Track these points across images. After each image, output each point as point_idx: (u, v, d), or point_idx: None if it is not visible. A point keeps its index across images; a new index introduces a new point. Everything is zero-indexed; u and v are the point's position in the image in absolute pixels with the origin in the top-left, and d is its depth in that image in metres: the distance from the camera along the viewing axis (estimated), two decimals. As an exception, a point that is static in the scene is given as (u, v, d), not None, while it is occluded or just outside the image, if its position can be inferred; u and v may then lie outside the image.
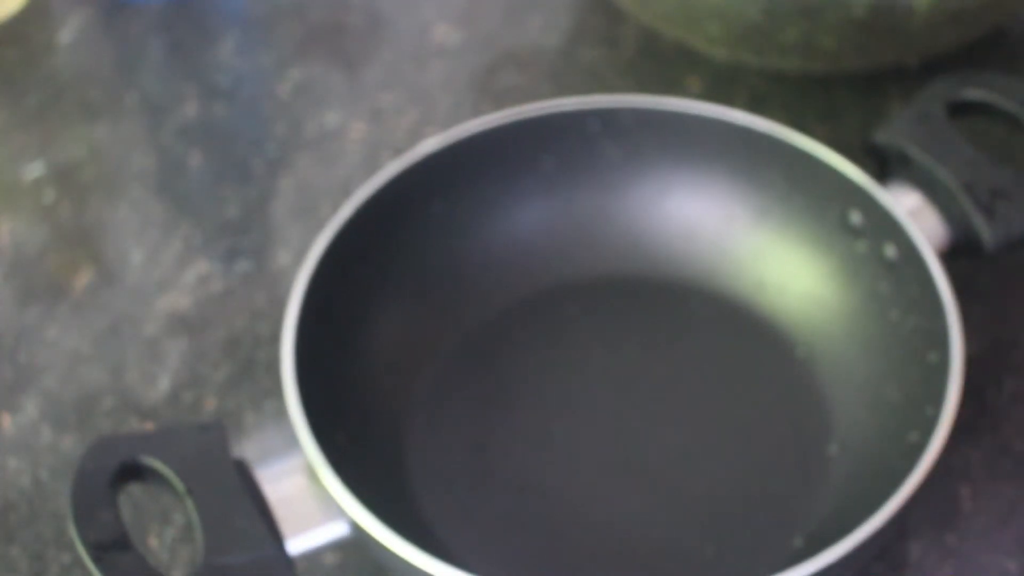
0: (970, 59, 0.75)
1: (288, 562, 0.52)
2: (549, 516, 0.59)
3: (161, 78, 0.83)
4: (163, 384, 0.67)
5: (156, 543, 0.60)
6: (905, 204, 0.62)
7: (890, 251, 0.61)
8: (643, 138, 0.66)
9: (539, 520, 0.59)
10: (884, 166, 0.65)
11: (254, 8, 0.86)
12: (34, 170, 0.78)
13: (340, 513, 0.53)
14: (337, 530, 0.54)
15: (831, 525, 0.56)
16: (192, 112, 0.80)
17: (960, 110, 0.65)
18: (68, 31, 0.86)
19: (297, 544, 0.53)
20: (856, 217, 0.62)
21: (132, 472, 0.52)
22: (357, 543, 0.55)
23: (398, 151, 0.76)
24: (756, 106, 0.76)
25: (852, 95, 0.76)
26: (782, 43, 0.70)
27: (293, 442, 0.55)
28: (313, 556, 0.57)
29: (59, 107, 0.81)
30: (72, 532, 0.49)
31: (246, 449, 0.63)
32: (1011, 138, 0.68)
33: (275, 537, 0.52)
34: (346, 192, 0.74)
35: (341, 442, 0.56)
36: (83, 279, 0.72)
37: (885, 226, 0.61)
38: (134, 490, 0.62)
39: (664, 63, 0.79)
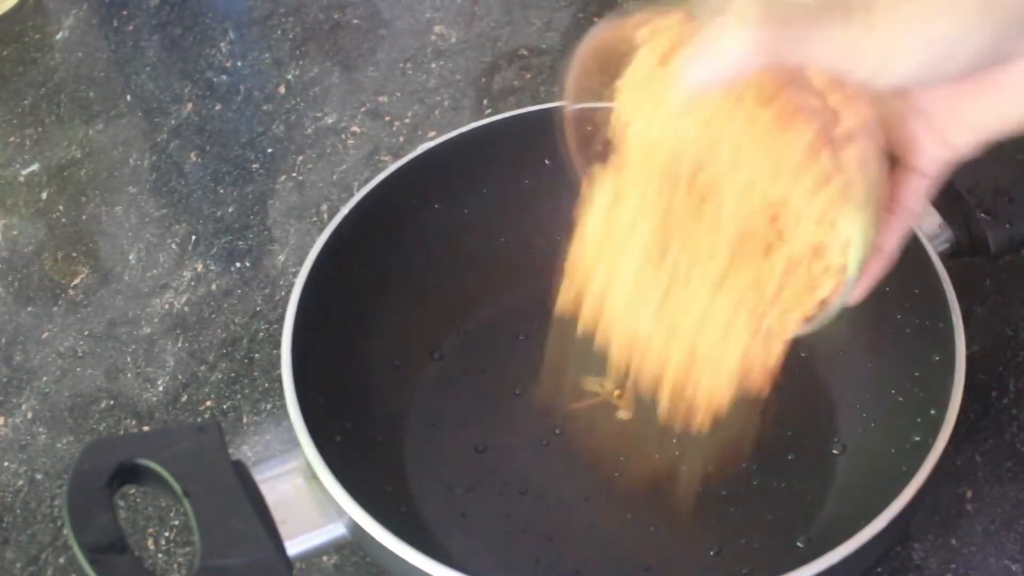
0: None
1: (287, 564, 0.51)
2: (549, 517, 0.59)
3: (158, 77, 0.82)
4: (160, 385, 0.66)
5: (153, 545, 0.60)
6: (907, 204, 0.62)
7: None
8: (643, 138, 0.66)
9: (539, 521, 0.59)
10: (886, 165, 0.64)
11: (252, 7, 0.86)
12: (29, 169, 0.77)
13: (339, 514, 0.53)
14: (335, 531, 0.53)
15: (833, 526, 0.55)
16: (189, 111, 0.80)
17: (962, 109, 0.65)
18: (64, 29, 0.86)
19: (295, 546, 0.52)
20: (858, 217, 0.62)
21: (129, 474, 0.51)
22: (356, 544, 0.55)
23: (397, 151, 0.76)
24: (757, 106, 0.75)
25: (853, 95, 0.76)
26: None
27: (291, 443, 0.54)
28: (312, 557, 0.57)
29: (55, 105, 0.81)
30: (68, 534, 0.49)
31: (244, 450, 0.63)
32: (1014, 137, 0.68)
33: (273, 538, 0.51)
34: (345, 192, 0.74)
35: (340, 443, 0.55)
36: (79, 279, 0.72)
37: (887, 226, 0.60)
38: (131, 492, 0.61)
39: (664, 63, 0.79)
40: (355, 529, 0.52)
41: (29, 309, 0.70)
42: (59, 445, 0.64)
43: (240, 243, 0.73)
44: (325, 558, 0.59)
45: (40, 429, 0.65)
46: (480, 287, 0.65)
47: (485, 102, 0.79)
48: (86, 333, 0.69)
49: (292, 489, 0.53)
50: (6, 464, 0.64)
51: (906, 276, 0.60)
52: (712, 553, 0.57)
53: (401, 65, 0.82)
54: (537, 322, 0.65)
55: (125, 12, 0.87)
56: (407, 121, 0.78)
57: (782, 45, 0.38)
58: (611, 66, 0.44)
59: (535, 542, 0.58)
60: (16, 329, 0.69)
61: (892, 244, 0.45)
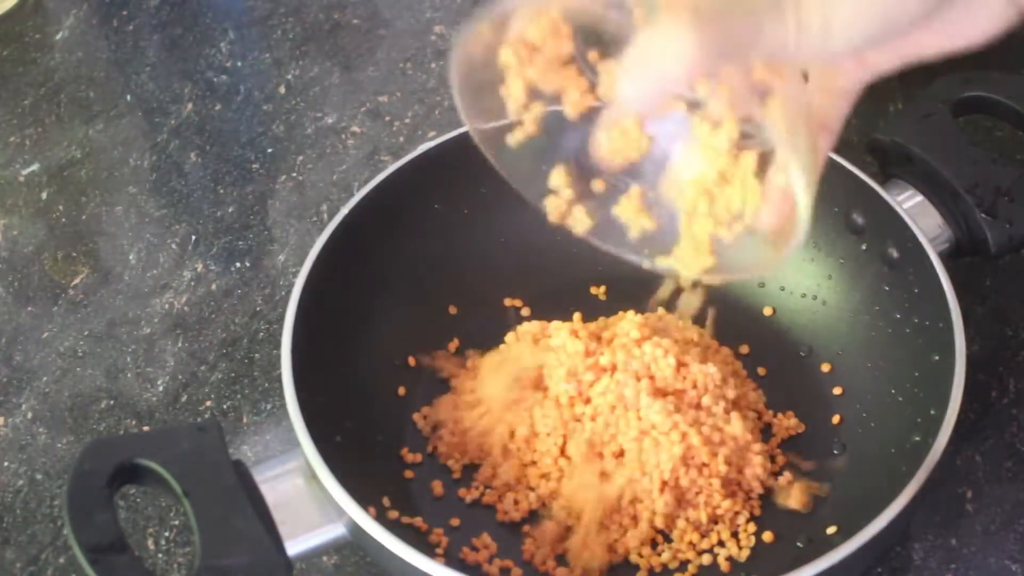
0: (973, 58, 0.74)
1: (286, 564, 0.51)
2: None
3: (158, 77, 0.82)
4: (160, 385, 0.66)
5: (153, 545, 0.60)
6: (907, 203, 0.62)
7: (892, 251, 0.61)
8: (643, 138, 0.66)
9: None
10: (886, 165, 0.65)
11: (252, 7, 0.86)
12: (29, 169, 0.77)
13: (339, 514, 0.53)
14: (335, 531, 0.53)
15: (833, 527, 0.55)
16: (189, 111, 0.80)
17: (963, 108, 0.65)
18: (64, 29, 0.86)
19: (295, 546, 0.52)
20: (858, 217, 0.62)
21: (129, 474, 0.51)
22: (356, 544, 0.55)
23: (397, 151, 0.76)
24: (757, 106, 0.75)
25: (853, 94, 0.75)
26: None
27: (291, 443, 0.54)
28: (311, 557, 0.57)
29: (55, 105, 0.81)
30: (68, 534, 0.49)
31: (244, 450, 0.63)
32: (1014, 137, 0.68)
33: (273, 538, 0.51)
34: (345, 192, 0.74)
35: (340, 443, 0.55)
36: (79, 279, 0.72)
37: (887, 226, 0.61)
38: (131, 492, 0.61)
39: (664, 63, 0.79)
40: (355, 529, 0.52)
41: (29, 309, 0.70)
42: (59, 445, 0.64)
43: (240, 243, 0.73)
44: (325, 558, 0.59)
45: (40, 429, 0.65)
46: (480, 287, 0.65)
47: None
48: (86, 333, 0.69)
49: (292, 489, 0.53)
50: (6, 464, 0.64)
51: (906, 276, 0.60)
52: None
53: (401, 65, 0.82)
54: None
55: (125, 12, 0.86)
56: (407, 121, 0.78)
57: (722, 49, 0.37)
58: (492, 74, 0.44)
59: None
60: (16, 329, 0.69)
61: (820, 161, 0.45)
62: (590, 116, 0.44)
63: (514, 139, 0.46)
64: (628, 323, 0.60)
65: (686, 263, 0.46)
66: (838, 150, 0.63)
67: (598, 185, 0.47)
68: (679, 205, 0.46)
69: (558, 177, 0.47)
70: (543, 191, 0.48)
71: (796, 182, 0.41)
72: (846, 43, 0.39)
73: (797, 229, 0.43)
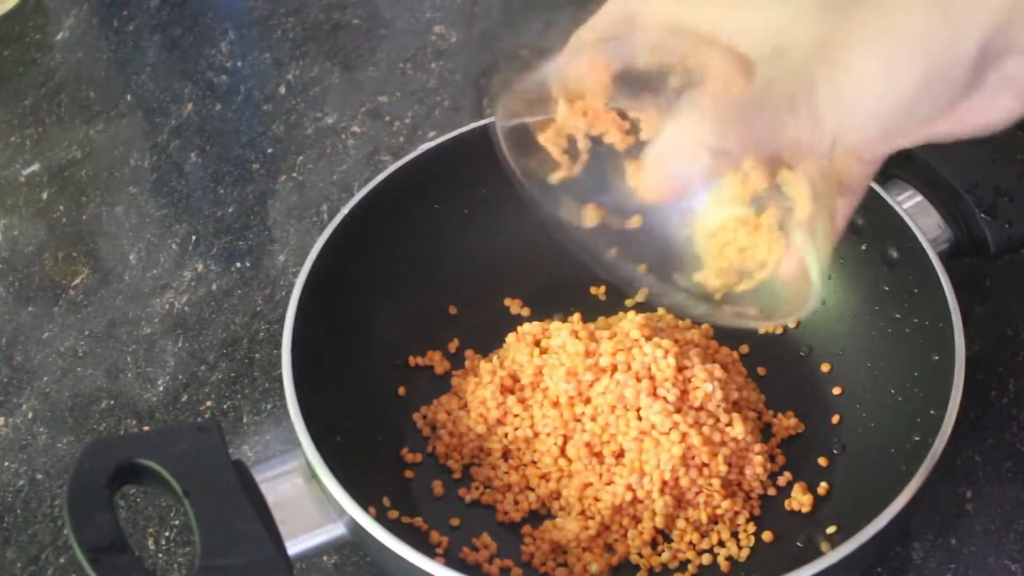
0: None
1: (287, 564, 0.51)
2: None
3: (158, 77, 0.82)
4: (160, 385, 0.66)
5: (153, 545, 0.60)
6: (907, 203, 0.62)
7: (892, 251, 0.61)
8: (643, 138, 0.66)
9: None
10: (886, 165, 0.64)
11: (252, 7, 0.86)
12: (30, 169, 0.77)
13: (339, 514, 0.53)
14: (335, 531, 0.53)
15: (834, 527, 0.55)
16: (189, 111, 0.80)
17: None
18: (64, 29, 0.86)
19: (295, 545, 0.52)
20: (858, 217, 0.62)
21: (129, 474, 0.51)
22: (356, 544, 0.55)
23: (397, 151, 0.76)
24: (757, 106, 0.75)
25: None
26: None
27: (291, 443, 0.54)
28: (311, 557, 0.57)
29: (55, 105, 0.81)
30: (69, 534, 0.49)
31: (244, 450, 0.63)
32: (1014, 137, 0.68)
33: (273, 538, 0.51)
34: (345, 192, 0.74)
35: (340, 443, 0.55)
36: (79, 279, 0.72)
37: (887, 226, 0.60)
38: (131, 492, 0.61)
39: (664, 63, 0.79)
40: (355, 529, 0.52)
41: (30, 309, 0.70)
42: (59, 445, 0.64)
43: (240, 243, 0.73)
44: (325, 558, 0.59)
45: (40, 429, 0.65)
46: (480, 287, 0.65)
47: (485, 102, 0.79)
48: (86, 333, 0.69)
49: (292, 489, 0.53)
50: (7, 464, 0.64)
51: (905, 276, 0.60)
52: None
53: (401, 65, 0.82)
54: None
55: (125, 12, 0.87)
56: (407, 121, 0.78)
57: (740, 148, 0.39)
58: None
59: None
60: (16, 329, 0.69)
61: (841, 223, 0.47)
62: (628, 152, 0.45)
63: (557, 177, 0.47)
64: (628, 323, 0.60)
65: (712, 312, 0.47)
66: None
67: (634, 221, 0.48)
68: (707, 250, 0.46)
69: (591, 214, 0.48)
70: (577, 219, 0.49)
71: (812, 266, 0.42)
72: (856, 144, 0.41)
73: (809, 297, 0.44)
